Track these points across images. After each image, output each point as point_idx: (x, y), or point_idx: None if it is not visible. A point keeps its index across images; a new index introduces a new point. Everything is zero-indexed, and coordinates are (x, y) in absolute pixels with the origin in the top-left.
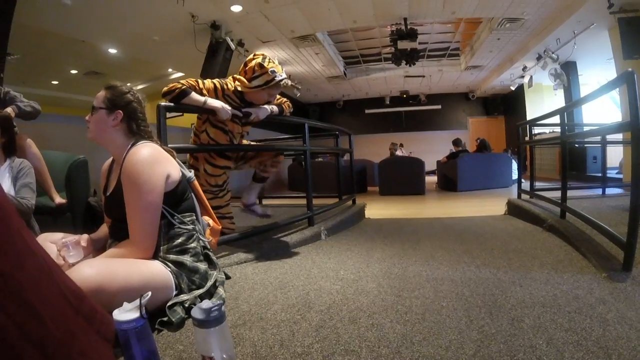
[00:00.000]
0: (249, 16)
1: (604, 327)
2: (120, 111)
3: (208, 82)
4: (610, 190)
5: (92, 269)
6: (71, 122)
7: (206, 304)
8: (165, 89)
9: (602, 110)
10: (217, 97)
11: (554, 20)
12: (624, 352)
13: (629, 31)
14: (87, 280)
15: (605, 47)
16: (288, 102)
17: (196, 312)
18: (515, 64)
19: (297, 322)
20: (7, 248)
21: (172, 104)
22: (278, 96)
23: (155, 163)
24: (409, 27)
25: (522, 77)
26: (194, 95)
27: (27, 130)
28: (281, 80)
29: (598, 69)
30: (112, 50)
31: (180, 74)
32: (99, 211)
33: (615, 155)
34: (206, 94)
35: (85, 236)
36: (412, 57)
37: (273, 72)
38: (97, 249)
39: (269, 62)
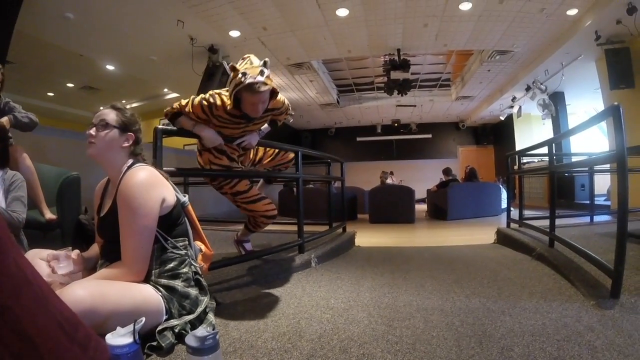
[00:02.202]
0: (246, 42)
1: (592, 354)
2: (132, 134)
3: (197, 105)
4: (598, 218)
5: (85, 290)
6: (65, 136)
7: (201, 331)
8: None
9: (590, 137)
10: (208, 118)
11: (542, 52)
12: None
13: (615, 62)
14: (79, 301)
15: (592, 78)
16: (285, 109)
17: (190, 340)
18: (505, 94)
19: (288, 351)
20: (4, 279)
21: (169, 128)
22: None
23: (152, 187)
24: (402, 57)
25: (512, 107)
26: (184, 119)
27: (21, 142)
28: (253, 83)
29: (585, 99)
30: (110, 67)
31: (175, 95)
32: (89, 229)
33: (603, 183)
34: (195, 118)
35: (76, 251)
36: (404, 87)
37: (244, 74)
38: (88, 268)
39: (246, 63)
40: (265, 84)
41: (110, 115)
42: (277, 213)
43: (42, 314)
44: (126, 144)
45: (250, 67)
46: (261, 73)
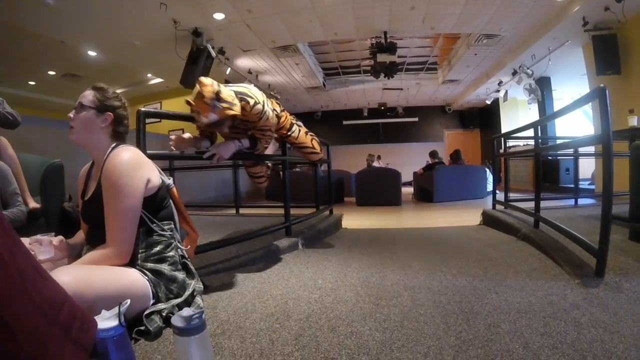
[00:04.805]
0: (231, 25)
1: (578, 331)
2: (111, 114)
3: None
4: (582, 201)
5: (68, 275)
6: (47, 125)
7: (187, 311)
8: None
9: (575, 123)
10: None
11: (530, 37)
12: (598, 353)
13: (602, 48)
14: (64, 287)
15: (579, 63)
16: (269, 135)
17: (176, 320)
18: (492, 78)
19: (276, 331)
20: None
21: (152, 110)
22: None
23: (137, 167)
24: (388, 40)
25: (498, 91)
26: None
27: (2, 131)
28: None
29: (571, 84)
30: (92, 53)
31: (159, 80)
32: (74, 217)
33: (588, 167)
34: None
35: (59, 237)
36: (390, 70)
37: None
38: (72, 255)
39: (199, 93)
40: (199, 112)
41: (88, 97)
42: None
43: (18, 299)
44: (104, 124)
45: (194, 99)
46: (212, 107)
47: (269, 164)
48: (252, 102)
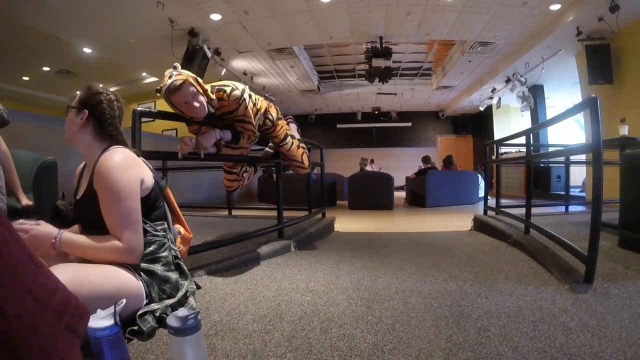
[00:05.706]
0: (227, 26)
1: (567, 335)
2: (86, 110)
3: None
4: (573, 208)
5: (63, 274)
6: (40, 122)
7: (182, 312)
8: None
9: (567, 131)
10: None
11: (523, 46)
12: (587, 357)
13: (595, 58)
14: None
15: (571, 72)
16: (251, 129)
17: (172, 320)
18: (485, 85)
19: (269, 332)
20: None
21: (147, 110)
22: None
23: (128, 167)
24: (384, 45)
25: (491, 98)
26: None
27: None
28: (168, 85)
29: (564, 93)
30: (87, 50)
31: (154, 79)
32: (67, 215)
33: (579, 174)
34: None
35: (40, 222)
36: (385, 75)
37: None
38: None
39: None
40: (177, 80)
41: (75, 98)
42: (233, 188)
43: (10, 282)
44: (80, 123)
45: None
46: (170, 77)
47: (248, 169)
48: (228, 90)
